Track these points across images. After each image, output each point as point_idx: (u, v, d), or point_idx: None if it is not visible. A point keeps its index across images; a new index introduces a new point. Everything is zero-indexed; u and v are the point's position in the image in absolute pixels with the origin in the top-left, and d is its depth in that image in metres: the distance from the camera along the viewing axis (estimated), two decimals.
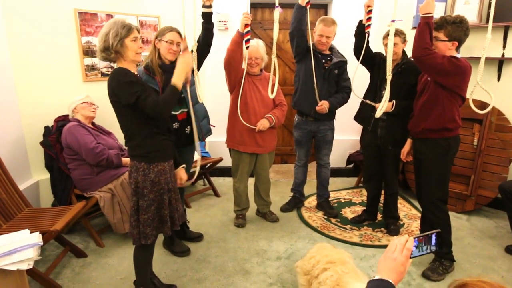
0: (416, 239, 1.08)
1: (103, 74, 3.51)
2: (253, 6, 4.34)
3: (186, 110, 2.64)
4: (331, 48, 3.17)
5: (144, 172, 1.96)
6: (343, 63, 3.14)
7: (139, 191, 1.98)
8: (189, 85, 2.15)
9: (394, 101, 2.75)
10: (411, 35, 2.92)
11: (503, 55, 3.36)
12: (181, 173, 2.23)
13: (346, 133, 4.37)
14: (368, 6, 2.71)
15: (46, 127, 3.10)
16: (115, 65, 1.97)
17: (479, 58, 2.15)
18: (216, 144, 4.17)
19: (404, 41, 2.78)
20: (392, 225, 3.10)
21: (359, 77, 2.93)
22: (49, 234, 2.26)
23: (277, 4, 2.30)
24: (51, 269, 2.47)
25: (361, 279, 1.77)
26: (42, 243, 2.00)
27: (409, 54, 2.87)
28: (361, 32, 2.82)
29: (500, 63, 3.39)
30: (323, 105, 3.07)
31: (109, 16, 3.48)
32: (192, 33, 2.31)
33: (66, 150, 2.88)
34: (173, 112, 2.55)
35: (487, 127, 3.35)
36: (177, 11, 3.52)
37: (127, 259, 2.69)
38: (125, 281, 2.46)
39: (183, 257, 2.75)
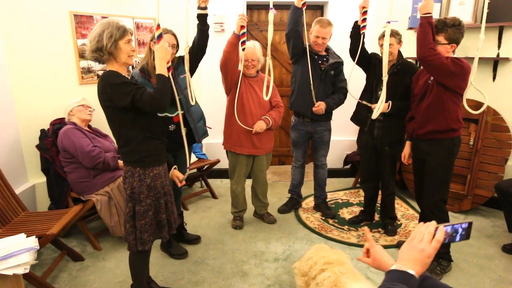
0: (450, 227, 0.98)
1: (99, 77, 3.50)
2: (249, 7, 4.34)
3: (182, 112, 2.63)
4: (327, 49, 3.18)
5: (139, 178, 1.95)
6: (339, 64, 3.15)
7: (135, 196, 1.96)
8: (171, 71, 2.11)
9: (390, 101, 2.76)
10: (407, 35, 2.95)
11: (498, 55, 3.38)
12: (177, 173, 2.23)
13: (343, 134, 4.38)
14: (363, 8, 2.73)
15: (42, 130, 3.08)
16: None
17: (473, 58, 2.16)
18: (213, 146, 4.17)
19: (400, 41, 2.78)
20: (390, 226, 3.10)
21: (355, 78, 2.93)
22: (45, 238, 2.25)
23: (271, 6, 2.31)
24: (48, 273, 2.46)
25: (359, 279, 1.77)
26: (39, 247, 1.99)
27: (406, 54, 2.92)
28: (356, 33, 2.84)
29: (495, 63, 3.41)
30: (319, 106, 3.07)
31: (105, 18, 3.46)
32: (185, 35, 2.30)
33: (62, 153, 2.87)
34: (169, 114, 2.54)
35: (483, 127, 3.37)
36: (173, 13, 3.52)
37: (124, 263, 2.68)
38: (122, 284, 2.45)
39: (181, 259, 2.74)
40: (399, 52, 2.82)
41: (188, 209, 3.64)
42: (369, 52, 2.99)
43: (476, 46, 1.98)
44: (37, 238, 2.03)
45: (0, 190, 2.54)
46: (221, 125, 3.11)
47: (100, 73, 3.52)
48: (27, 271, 1.86)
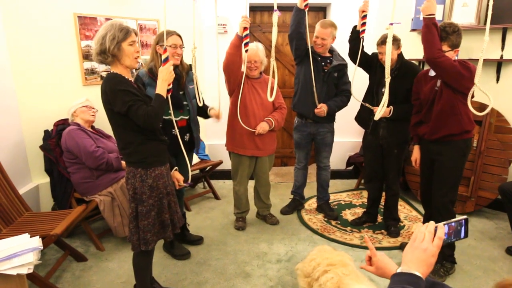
0: (447, 225, 0.97)
1: (102, 78, 3.50)
2: (252, 9, 4.35)
3: (186, 117, 2.65)
4: (332, 51, 3.17)
5: (141, 178, 1.95)
6: (343, 66, 3.14)
7: (137, 197, 1.97)
8: (170, 94, 2.14)
9: (391, 107, 2.75)
10: (410, 37, 2.95)
11: (501, 56, 3.37)
12: (177, 175, 2.23)
13: (346, 135, 4.38)
14: (363, 12, 2.73)
15: (46, 131, 3.10)
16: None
17: (477, 60, 2.16)
18: (216, 147, 4.17)
19: (398, 47, 2.75)
20: (393, 227, 3.10)
21: (358, 80, 2.94)
22: (49, 238, 2.26)
23: (275, 7, 2.31)
24: (51, 273, 2.47)
25: (361, 281, 1.77)
26: (42, 247, 2.00)
27: (409, 56, 2.91)
28: (355, 37, 2.85)
29: (498, 64, 3.40)
30: (321, 108, 3.07)
31: (109, 20, 3.48)
32: (192, 37, 2.31)
33: (66, 154, 2.88)
34: (173, 118, 2.54)
35: (486, 129, 3.36)
36: (177, 15, 3.54)
37: (127, 263, 2.68)
38: (125, 285, 2.46)
39: (183, 260, 2.75)
40: (399, 55, 2.80)
41: (191, 210, 3.64)
42: (371, 53, 2.98)
43: (479, 47, 1.97)
44: (40, 238, 2.05)
45: (4, 190, 2.55)
46: (224, 126, 3.12)
47: (104, 74, 3.53)
48: (31, 271, 1.87)
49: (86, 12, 3.34)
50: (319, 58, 3.09)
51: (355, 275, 1.81)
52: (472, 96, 2.32)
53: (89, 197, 2.88)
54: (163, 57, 2.01)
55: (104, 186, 2.87)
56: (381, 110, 2.11)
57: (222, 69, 2.87)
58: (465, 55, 3.41)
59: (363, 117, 3.02)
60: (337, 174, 4.40)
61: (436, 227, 0.95)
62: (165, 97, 1.94)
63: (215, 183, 4.19)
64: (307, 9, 2.83)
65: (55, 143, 2.98)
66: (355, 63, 2.85)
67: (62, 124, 3.08)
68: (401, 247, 2.87)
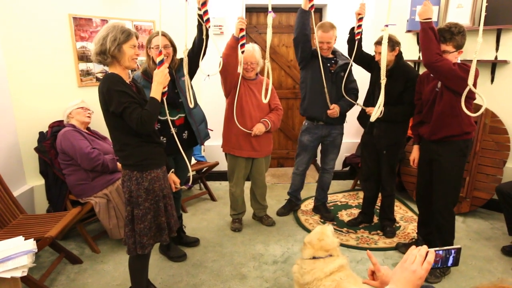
0: (438, 251, 1.03)
1: (98, 79, 3.50)
2: (248, 10, 4.35)
3: (183, 115, 2.64)
4: (334, 52, 3.16)
5: (137, 181, 1.94)
6: (348, 65, 3.15)
7: (133, 200, 1.96)
8: (165, 96, 2.13)
9: (382, 108, 2.76)
10: (405, 38, 2.96)
11: (496, 57, 3.39)
12: (173, 177, 2.22)
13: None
14: (359, 14, 2.74)
15: (41, 133, 3.08)
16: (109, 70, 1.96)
17: (470, 61, 2.17)
18: (212, 148, 4.17)
19: (393, 49, 2.74)
20: (388, 228, 3.10)
21: (357, 80, 2.95)
22: (43, 240, 2.25)
23: (270, 9, 2.31)
24: (46, 275, 2.45)
25: (358, 283, 1.79)
26: (37, 249, 1.99)
27: (404, 57, 2.92)
28: (353, 39, 2.86)
29: (493, 65, 3.42)
30: (334, 109, 3.06)
31: (104, 21, 3.48)
32: (184, 37, 2.30)
33: (61, 155, 2.87)
34: (170, 118, 2.54)
35: (481, 129, 3.37)
36: (172, 16, 3.53)
37: (122, 265, 2.67)
38: (121, 287, 2.44)
39: (180, 262, 2.74)
40: (396, 57, 2.80)
41: (187, 211, 3.63)
42: (372, 55, 3.00)
43: (474, 48, 1.98)
44: (35, 241, 2.04)
45: None
46: (220, 128, 3.11)
47: (99, 75, 3.52)
48: (25, 274, 1.86)
49: (81, 13, 3.33)
50: (325, 60, 3.07)
51: (353, 278, 1.83)
52: (474, 98, 2.33)
53: (84, 199, 2.86)
54: (157, 60, 2.00)
55: (100, 188, 2.86)
56: (377, 111, 2.12)
57: (219, 70, 2.86)
58: (461, 56, 3.42)
59: (363, 117, 3.04)
60: (334, 175, 4.38)
61: (427, 252, 1.00)
62: (160, 100, 1.93)
63: (211, 184, 4.18)
64: (313, 10, 2.81)
65: (50, 145, 2.96)
66: (354, 61, 2.88)
67: (57, 126, 3.06)
68: (397, 247, 2.88)
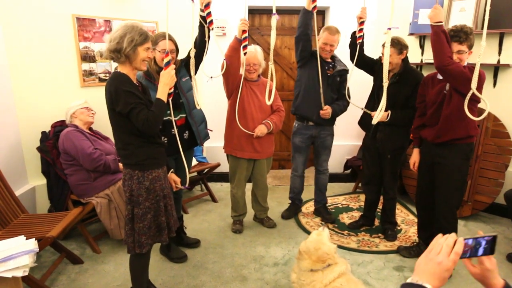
0: (467, 240, 0.93)
1: (100, 80, 3.51)
2: (251, 12, 4.36)
3: (184, 115, 2.64)
4: (333, 57, 3.19)
5: (138, 180, 1.95)
6: (345, 72, 3.17)
7: (134, 199, 1.96)
8: (171, 97, 2.14)
9: (389, 111, 2.76)
10: (408, 41, 2.96)
11: (498, 61, 3.38)
12: (174, 176, 2.22)
13: (344, 139, 4.38)
14: (360, 18, 2.75)
15: (43, 133, 3.09)
16: (113, 70, 1.96)
17: (474, 64, 2.17)
18: (214, 149, 4.17)
19: (401, 52, 2.74)
20: (390, 231, 3.10)
21: (358, 84, 2.94)
22: (45, 240, 2.25)
23: (274, 11, 2.32)
24: (47, 275, 2.45)
25: (358, 286, 1.80)
26: (38, 249, 1.98)
27: (409, 61, 2.92)
28: (354, 43, 2.88)
29: (495, 69, 3.41)
30: (327, 110, 3.08)
31: (107, 21, 3.49)
32: (186, 39, 2.31)
33: (63, 155, 2.87)
34: (171, 118, 2.55)
35: (483, 133, 3.37)
36: (175, 17, 3.53)
37: (123, 266, 2.67)
38: (121, 287, 2.44)
39: (180, 263, 2.74)
40: (403, 61, 2.80)
41: (188, 212, 3.63)
42: (375, 58, 3.00)
43: (476, 52, 1.98)
44: (36, 241, 2.03)
45: (0, 191, 2.53)
46: (222, 129, 3.12)
47: (102, 75, 3.53)
48: (26, 273, 1.85)
49: (85, 13, 3.34)
50: (323, 62, 3.08)
51: (353, 283, 1.83)
52: (479, 101, 2.33)
53: (86, 199, 2.86)
54: (164, 60, 2.01)
55: (101, 188, 2.86)
56: (379, 115, 2.12)
57: (221, 74, 2.87)
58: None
59: (366, 121, 3.03)
60: (335, 178, 4.40)
61: (455, 240, 0.91)
62: (166, 101, 1.95)
63: (213, 185, 4.18)
64: (315, 11, 2.82)
65: (52, 145, 2.97)
66: (356, 66, 2.88)
67: (59, 126, 3.06)
68: (398, 251, 2.87)
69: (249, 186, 3.26)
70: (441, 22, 2.22)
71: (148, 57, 1.92)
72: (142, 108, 1.84)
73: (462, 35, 2.27)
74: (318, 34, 2.97)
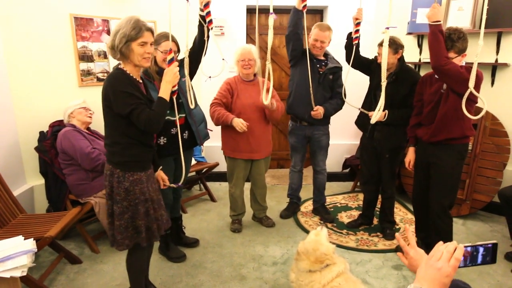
0: (470, 247, 0.96)
1: (98, 79, 3.51)
2: (249, 11, 4.36)
3: (183, 115, 2.64)
4: (326, 55, 3.19)
5: (118, 179, 1.89)
6: (338, 69, 3.16)
7: (113, 196, 1.92)
8: (175, 95, 2.12)
9: (387, 111, 2.77)
10: (405, 41, 2.97)
11: (496, 60, 3.39)
12: (162, 174, 2.19)
13: (342, 138, 4.39)
14: (356, 19, 2.75)
15: (41, 132, 3.08)
16: (111, 69, 1.94)
17: (472, 64, 2.17)
18: (212, 149, 4.17)
19: (396, 51, 2.74)
20: (388, 230, 3.10)
21: (354, 84, 2.94)
22: (43, 240, 2.25)
23: (271, 11, 2.31)
24: (45, 275, 2.45)
25: (357, 286, 1.80)
26: (36, 249, 1.99)
27: (406, 60, 2.93)
28: (350, 44, 2.88)
29: (493, 68, 3.42)
30: (318, 111, 3.07)
31: (105, 21, 3.48)
32: (184, 38, 2.30)
33: (61, 155, 2.86)
34: (171, 118, 2.54)
35: (481, 132, 3.38)
36: (174, 16, 3.52)
37: (122, 265, 2.66)
38: (120, 287, 2.44)
39: (179, 262, 2.74)
40: (399, 60, 2.81)
41: (187, 212, 3.63)
42: (371, 58, 3.00)
43: (474, 51, 1.99)
44: (35, 241, 2.04)
45: None
46: (220, 128, 3.12)
47: (100, 75, 3.52)
48: (25, 273, 1.86)
49: (83, 13, 3.33)
50: (314, 60, 3.10)
51: (352, 281, 1.83)
52: (476, 102, 2.33)
53: (84, 199, 2.86)
54: (168, 58, 1.97)
55: (100, 188, 2.85)
56: (377, 114, 2.12)
57: (211, 117, 2.98)
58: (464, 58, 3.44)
59: (363, 121, 3.03)
60: (333, 177, 4.41)
61: (455, 247, 0.92)
62: (168, 99, 1.90)
63: (211, 185, 4.18)
64: (305, 10, 2.83)
65: (50, 145, 2.96)
66: (353, 67, 2.87)
67: (57, 125, 3.06)
68: (397, 250, 2.87)
69: (247, 186, 3.26)
70: (439, 21, 2.23)
71: (147, 53, 1.82)
72: (143, 108, 1.80)
73: (448, 43, 2.28)
74: (309, 34, 2.98)
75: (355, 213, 3.56)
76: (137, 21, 1.80)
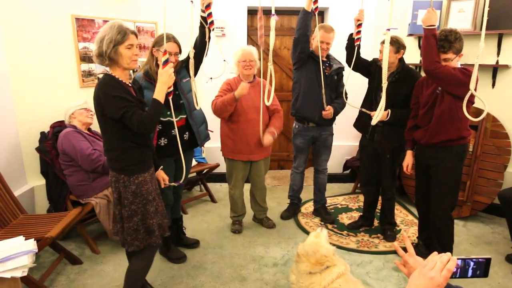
0: (461, 260, 0.98)
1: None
2: (250, 12, 4.36)
3: (184, 116, 2.64)
4: (328, 55, 3.19)
5: (124, 184, 1.91)
6: (341, 70, 3.19)
7: (121, 201, 1.94)
8: (171, 96, 2.12)
9: (389, 110, 2.77)
10: (406, 42, 2.97)
11: (497, 62, 3.39)
12: (162, 174, 2.20)
13: (343, 139, 4.38)
14: (358, 20, 2.75)
15: (42, 133, 3.08)
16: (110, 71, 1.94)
17: (473, 65, 2.17)
18: (213, 150, 4.17)
19: (398, 51, 2.74)
20: (389, 231, 3.10)
21: (354, 85, 2.93)
22: (44, 240, 2.25)
23: (273, 12, 2.32)
24: (46, 276, 2.45)
25: (357, 287, 1.80)
26: (37, 250, 1.98)
27: (406, 61, 2.93)
28: (351, 45, 2.87)
29: (494, 70, 3.42)
30: (329, 110, 3.09)
31: (106, 22, 3.48)
32: (186, 40, 2.31)
33: (62, 156, 2.87)
34: (171, 119, 2.54)
35: (482, 134, 3.37)
36: (175, 17, 3.54)
37: (122, 266, 2.66)
38: None
39: (179, 263, 2.74)
40: (400, 60, 2.81)
41: (187, 213, 3.63)
42: (370, 60, 3.00)
43: (475, 53, 1.98)
44: (35, 241, 2.03)
45: None
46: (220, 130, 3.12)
47: (101, 76, 3.52)
48: (25, 274, 1.85)
49: (84, 14, 3.34)
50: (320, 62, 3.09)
51: (352, 283, 1.83)
52: (473, 102, 2.34)
53: (85, 200, 2.86)
54: (162, 59, 1.97)
55: (100, 188, 2.86)
56: (379, 114, 2.12)
57: (213, 111, 2.97)
58: (461, 60, 3.43)
59: (363, 122, 3.02)
60: (334, 178, 4.41)
61: (449, 259, 0.95)
62: (163, 101, 1.91)
63: (212, 186, 4.18)
64: (317, 12, 2.79)
65: (51, 145, 2.96)
66: (353, 69, 2.87)
67: (58, 126, 3.06)
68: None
69: (247, 187, 3.26)
70: (433, 26, 2.24)
71: (134, 55, 1.84)
72: (134, 110, 1.80)
73: (446, 44, 2.28)
74: (312, 34, 2.97)
75: (356, 215, 3.55)
76: (121, 25, 1.82)
